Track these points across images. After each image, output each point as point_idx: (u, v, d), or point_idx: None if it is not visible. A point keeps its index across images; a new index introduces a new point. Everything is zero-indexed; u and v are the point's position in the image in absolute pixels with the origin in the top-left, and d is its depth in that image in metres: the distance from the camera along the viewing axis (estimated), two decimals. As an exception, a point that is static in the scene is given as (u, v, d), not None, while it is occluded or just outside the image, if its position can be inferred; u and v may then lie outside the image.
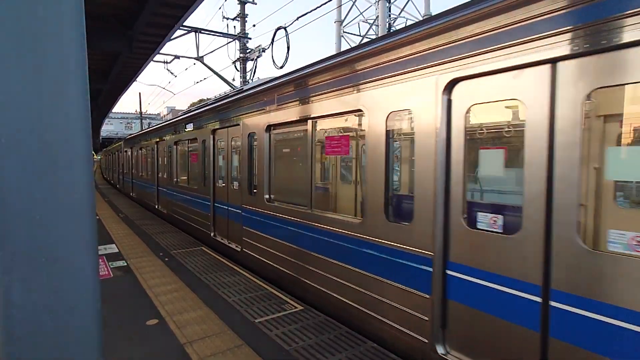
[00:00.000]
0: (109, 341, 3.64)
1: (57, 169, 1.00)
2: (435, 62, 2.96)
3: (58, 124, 0.99)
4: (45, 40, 0.96)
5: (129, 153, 18.01)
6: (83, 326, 1.08)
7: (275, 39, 10.96)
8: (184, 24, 11.26)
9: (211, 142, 7.61)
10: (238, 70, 16.89)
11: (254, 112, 5.78)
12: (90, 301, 1.09)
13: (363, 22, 25.82)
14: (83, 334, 1.08)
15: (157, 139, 12.12)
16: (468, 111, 2.80)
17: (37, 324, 0.99)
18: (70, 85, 1.01)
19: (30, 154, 0.95)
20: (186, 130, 9.18)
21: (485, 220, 2.73)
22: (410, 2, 24.58)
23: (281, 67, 10.73)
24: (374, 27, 24.58)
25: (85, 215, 1.06)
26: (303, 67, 4.80)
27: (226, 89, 17.53)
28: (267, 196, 5.51)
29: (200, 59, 15.26)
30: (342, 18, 26.50)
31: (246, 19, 16.71)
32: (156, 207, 12.22)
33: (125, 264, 6.33)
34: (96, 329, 1.11)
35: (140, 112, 36.79)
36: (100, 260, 6.53)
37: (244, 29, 16.56)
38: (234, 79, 16.76)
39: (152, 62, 14.45)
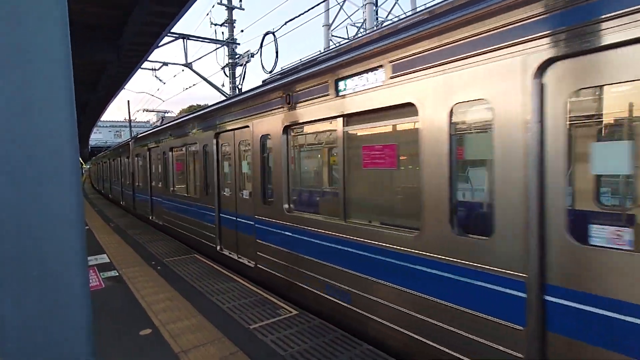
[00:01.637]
0: (102, 353, 3.60)
1: (45, 181, 1.00)
2: None
3: (45, 136, 0.99)
4: (31, 51, 0.96)
5: (145, 158, 12.02)
6: (75, 340, 1.08)
7: (263, 44, 11.00)
8: (172, 30, 11.24)
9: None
10: (227, 76, 16.88)
11: None
12: (82, 314, 1.09)
13: (351, 25, 26.00)
14: (75, 348, 1.08)
15: (216, 128, 6.95)
16: None
17: (29, 339, 0.99)
18: (57, 95, 1.01)
19: (16, 167, 0.94)
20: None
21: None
22: (397, 5, 24.84)
23: (270, 72, 10.76)
24: (361, 30, 24.76)
25: (74, 227, 1.06)
26: None
27: (217, 95, 17.41)
28: None
29: (188, 65, 15.21)
30: (330, 22, 26.68)
31: (234, 24, 16.73)
32: (218, 248, 7.12)
33: (117, 274, 6.26)
34: (88, 342, 1.10)
35: (130, 120, 36.46)
36: (91, 270, 6.44)
37: (232, 35, 16.57)
38: (223, 85, 16.72)
39: (140, 69, 14.37)
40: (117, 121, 62.40)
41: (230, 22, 16.60)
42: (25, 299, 0.97)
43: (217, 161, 7.06)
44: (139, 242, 8.94)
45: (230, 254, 6.72)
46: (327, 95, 4.18)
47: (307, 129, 5.04)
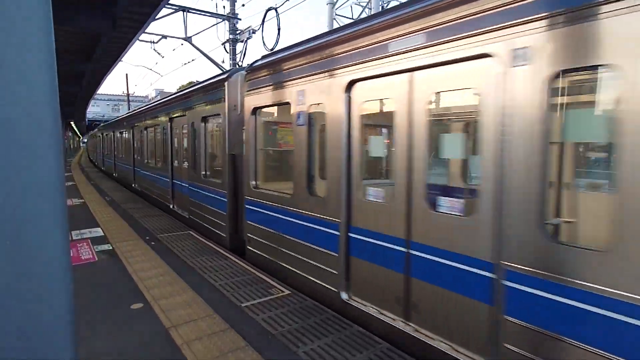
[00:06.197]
0: (93, 325, 3.60)
1: (20, 147, 0.93)
2: None
3: (20, 97, 0.92)
4: (6, 8, 0.88)
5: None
6: (54, 313, 1.04)
7: (265, 20, 10.70)
8: (171, 2, 10.90)
9: None
10: (227, 52, 16.53)
11: None
12: (62, 286, 1.04)
13: (356, 4, 25.38)
14: (54, 321, 1.04)
15: None
16: None
17: (3, 311, 0.94)
18: (34, 54, 0.94)
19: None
20: None
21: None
22: (403, -15, 24.19)
23: (272, 50, 10.51)
24: (367, 9, 24.21)
25: (53, 195, 1.00)
26: None
27: (216, 71, 17.02)
28: None
29: (188, 39, 14.85)
30: (335, 0, 26.00)
31: (236, -2, 16.26)
32: None
33: (111, 247, 6.25)
34: (68, 316, 1.06)
35: (128, 94, 35.98)
36: (84, 244, 6.43)
37: (234, 9, 16.14)
38: (223, 61, 16.40)
39: (138, 42, 13.99)
40: (115, 94, 61.58)
41: (231, -4, 16.12)
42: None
43: None
44: (134, 216, 8.91)
45: None
46: None
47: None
